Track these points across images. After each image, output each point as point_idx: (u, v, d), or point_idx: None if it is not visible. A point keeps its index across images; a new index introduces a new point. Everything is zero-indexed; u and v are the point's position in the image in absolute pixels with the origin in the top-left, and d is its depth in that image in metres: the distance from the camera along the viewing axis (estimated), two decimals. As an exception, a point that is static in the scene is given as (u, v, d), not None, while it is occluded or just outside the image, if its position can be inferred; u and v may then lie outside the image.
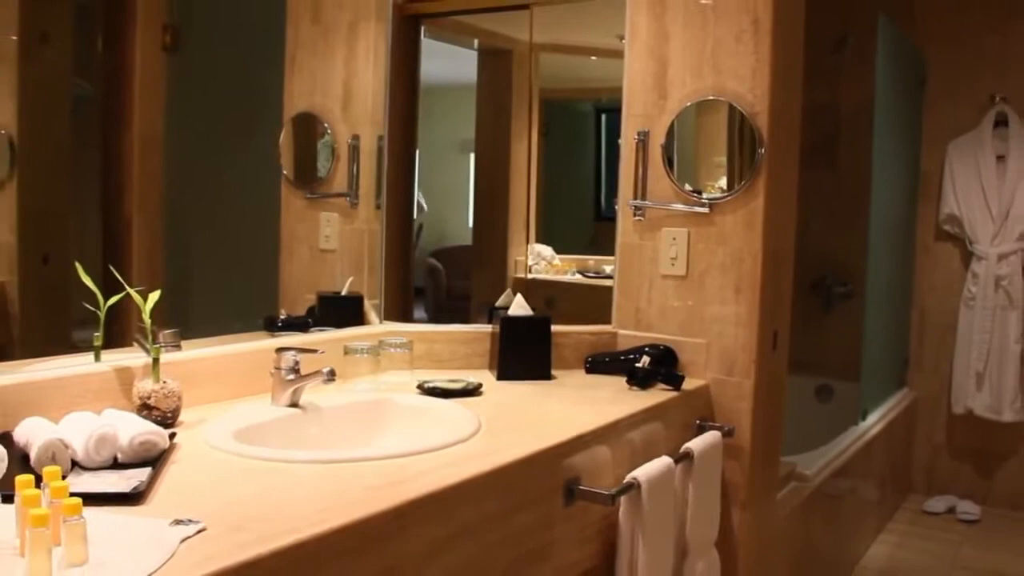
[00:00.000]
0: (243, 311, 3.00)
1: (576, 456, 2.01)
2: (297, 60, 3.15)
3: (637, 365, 2.61)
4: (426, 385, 2.42)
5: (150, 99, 2.91)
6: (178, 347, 2.15)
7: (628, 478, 2.12)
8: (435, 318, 3.56)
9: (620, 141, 2.93)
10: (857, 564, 4.12)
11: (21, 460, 1.53)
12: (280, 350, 2.14)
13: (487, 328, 2.77)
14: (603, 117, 3.66)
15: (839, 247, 4.93)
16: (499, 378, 2.63)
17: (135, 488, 1.45)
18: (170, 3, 3.11)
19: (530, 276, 3.48)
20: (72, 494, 1.23)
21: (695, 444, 2.43)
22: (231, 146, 3.88)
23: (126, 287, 1.95)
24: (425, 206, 3.53)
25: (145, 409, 1.86)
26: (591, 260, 3.45)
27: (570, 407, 2.34)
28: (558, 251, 3.53)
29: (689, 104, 2.78)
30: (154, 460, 1.61)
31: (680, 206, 2.79)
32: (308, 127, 3.15)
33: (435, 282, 3.71)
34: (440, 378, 2.50)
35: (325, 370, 2.08)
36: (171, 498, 1.45)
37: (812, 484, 3.52)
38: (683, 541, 2.38)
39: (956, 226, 4.94)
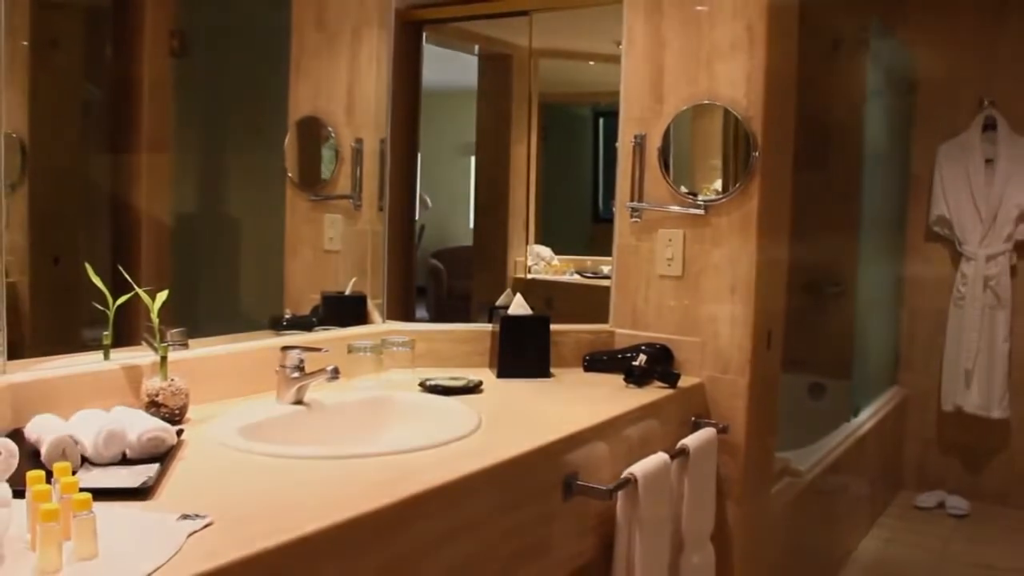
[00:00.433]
0: (249, 311, 3.00)
1: (574, 452, 2.00)
2: (302, 65, 3.15)
3: (634, 363, 2.61)
4: (428, 383, 2.42)
5: (158, 103, 2.91)
6: (185, 346, 2.15)
7: (625, 474, 2.11)
8: (436, 317, 3.56)
9: (617, 144, 2.92)
10: (849, 557, 4.12)
11: (32, 456, 1.53)
12: (285, 349, 2.14)
13: (487, 327, 2.77)
14: (601, 121, 3.67)
15: (831, 248, 4.93)
16: (499, 376, 2.63)
17: (143, 483, 1.45)
18: (178, 9, 3.12)
19: (529, 276, 3.48)
20: (82, 489, 1.23)
21: (691, 440, 2.43)
22: (237, 149, 3.88)
23: (135, 287, 1.95)
24: (429, 203, 3.54)
25: (153, 406, 1.86)
26: (589, 261, 3.45)
27: (568, 404, 2.34)
28: (557, 252, 3.53)
29: (685, 108, 2.78)
30: (162, 456, 1.61)
31: (676, 208, 2.79)
32: (312, 131, 3.15)
33: (436, 282, 3.71)
34: (441, 376, 2.50)
35: (329, 368, 2.08)
36: (178, 493, 1.45)
37: (805, 479, 3.52)
38: (679, 535, 2.38)
39: (946, 227, 4.94)
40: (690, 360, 2.75)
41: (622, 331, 2.89)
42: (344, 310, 2.86)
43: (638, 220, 2.87)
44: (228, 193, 4.29)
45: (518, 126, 3.61)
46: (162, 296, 1.96)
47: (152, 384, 1.89)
